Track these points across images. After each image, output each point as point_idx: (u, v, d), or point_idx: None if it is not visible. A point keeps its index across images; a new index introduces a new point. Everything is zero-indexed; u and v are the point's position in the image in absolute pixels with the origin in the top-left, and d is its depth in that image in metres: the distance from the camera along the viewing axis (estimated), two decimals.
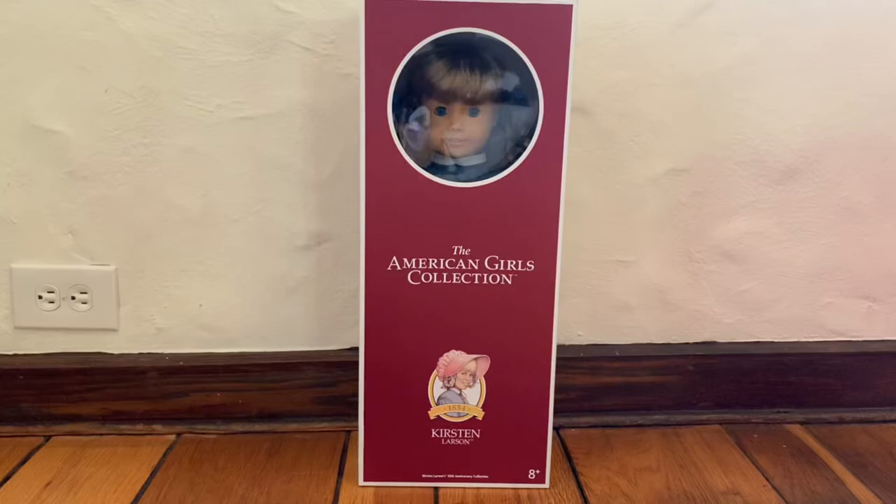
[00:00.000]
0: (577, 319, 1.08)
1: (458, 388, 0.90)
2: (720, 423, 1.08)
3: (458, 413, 0.91)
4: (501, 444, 0.92)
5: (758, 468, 0.97)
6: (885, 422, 1.09)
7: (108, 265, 1.02)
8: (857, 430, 1.07)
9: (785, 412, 1.10)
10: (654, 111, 1.02)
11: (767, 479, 0.95)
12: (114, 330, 1.04)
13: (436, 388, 0.90)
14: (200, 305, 1.04)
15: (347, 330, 1.05)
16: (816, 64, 1.02)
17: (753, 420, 1.09)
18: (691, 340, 1.10)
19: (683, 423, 1.08)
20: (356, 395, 0.90)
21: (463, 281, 0.87)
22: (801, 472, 0.97)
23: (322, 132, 0.99)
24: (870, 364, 1.10)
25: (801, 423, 1.09)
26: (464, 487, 0.92)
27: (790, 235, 1.08)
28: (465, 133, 0.87)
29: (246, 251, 1.03)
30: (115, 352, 1.05)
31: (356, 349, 0.89)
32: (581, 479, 0.95)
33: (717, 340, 1.10)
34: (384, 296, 0.87)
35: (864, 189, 1.07)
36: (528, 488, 0.92)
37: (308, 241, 1.03)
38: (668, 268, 1.07)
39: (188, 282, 1.03)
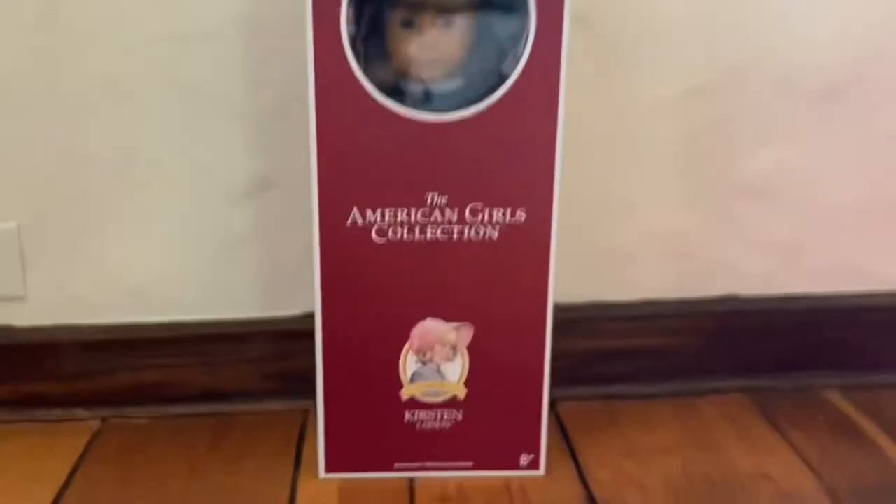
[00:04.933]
0: (574, 273, 1.00)
1: (436, 362, 0.85)
2: (744, 392, 1.03)
3: (436, 392, 0.85)
4: (488, 427, 0.86)
5: (789, 445, 0.93)
6: None
7: (8, 222, 0.96)
8: None
9: (821, 377, 1.05)
10: (666, 19, 0.94)
11: (801, 458, 0.91)
12: (20, 298, 0.98)
13: (409, 363, 0.85)
14: (123, 267, 0.98)
15: (300, 292, 0.99)
16: None
17: (783, 387, 1.04)
18: (710, 295, 1.04)
19: (701, 392, 1.03)
20: (313, 370, 0.85)
21: (439, 236, 0.81)
22: (840, 450, 0.92)
23: (262, 53, 0.92)
24: None
25: (840, 389, 1.04)
26: (444, 477, 0.87)
27: (830, 167, 1.01)
28: (438, 50, 0.80)
29: (174, 201, 0.96)
30: (24, 324, 0.99)
31: (312, 316, 0.84)
32: (581, 463, 0.90)
33: (741, 294, 1.04)
34: (343, 255, 0.82)
35: None
36: (520, 476, 0.87)
37: (249, 186, 0.96)
38: (683, 209, 1.01)
39: (107, 239, 0.97)
